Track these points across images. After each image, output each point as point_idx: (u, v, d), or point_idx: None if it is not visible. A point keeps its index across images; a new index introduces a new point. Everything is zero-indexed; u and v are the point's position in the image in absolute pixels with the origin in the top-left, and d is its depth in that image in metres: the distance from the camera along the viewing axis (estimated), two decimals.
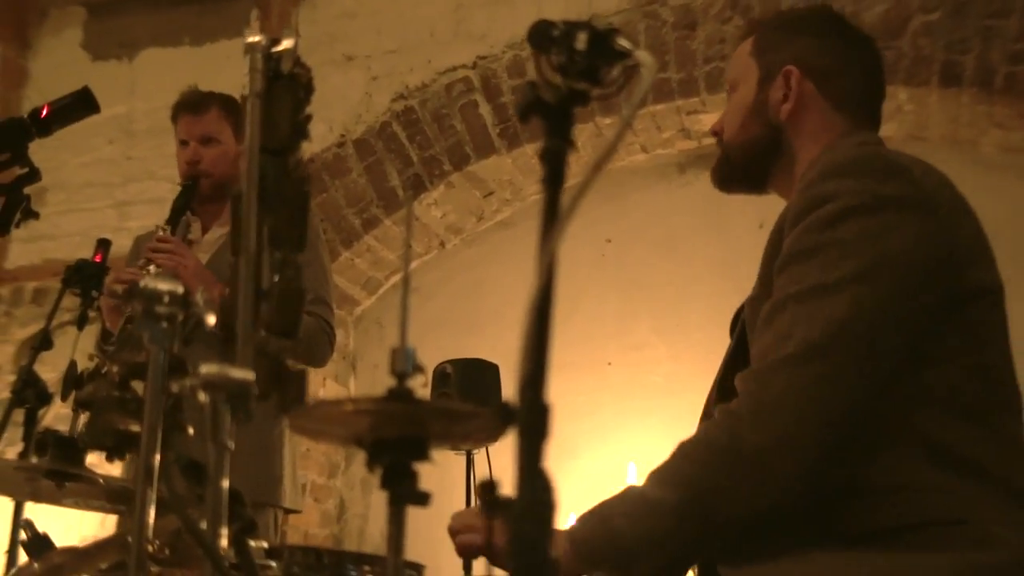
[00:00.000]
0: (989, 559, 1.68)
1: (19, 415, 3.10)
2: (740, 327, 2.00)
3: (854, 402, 1.74)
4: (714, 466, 1.73)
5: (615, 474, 4.84)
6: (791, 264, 1.82)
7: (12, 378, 5.59)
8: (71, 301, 3.30)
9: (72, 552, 1.60)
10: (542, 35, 1.42)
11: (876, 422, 1.77)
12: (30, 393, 3.04)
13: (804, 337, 1.74)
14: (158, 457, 1.42)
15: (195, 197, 3.53)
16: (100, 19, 6.14)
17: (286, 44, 1.55)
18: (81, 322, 3.19)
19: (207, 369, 1.30)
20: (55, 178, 5.90)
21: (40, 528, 1.70)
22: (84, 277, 3.18)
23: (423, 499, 1.36)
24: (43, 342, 3.16)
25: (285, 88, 1.57)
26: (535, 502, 1.15)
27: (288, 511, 3.67)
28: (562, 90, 1.34)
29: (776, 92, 2.07)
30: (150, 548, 1.59)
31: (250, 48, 1.53)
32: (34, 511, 3.37)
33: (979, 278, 1.86)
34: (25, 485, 2.09)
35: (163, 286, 1.43)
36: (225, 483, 1.31)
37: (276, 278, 1.47)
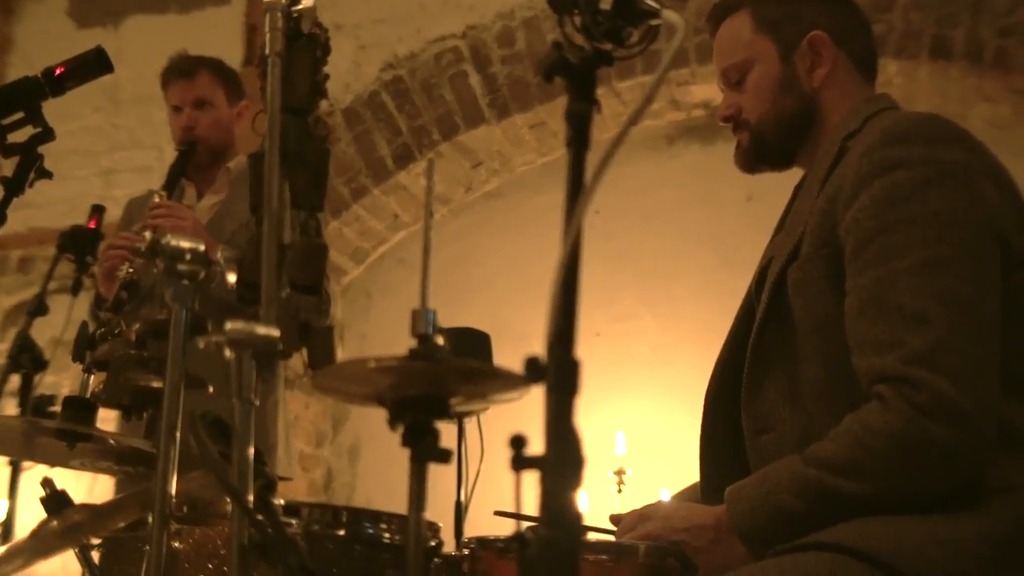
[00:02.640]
0: None
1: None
2: (773, 289, 1.96)
3: (996, 376, 1.73)
4: (904, 463, 1.71)
5: (604, 443, 4.86)
6: (882, 236, 1.80)
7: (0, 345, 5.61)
8: (61, 268, 3.29)
9: (91, 509, 1.60)
10: None
11: None
12: (26, 358, 3.03)
13: (947, 321, 1.73)
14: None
15: (191, 162, 3.50)
16: None
17: (306, 3, 1.54)
18: (76, 288, 3.18)
19: (233, 326, 1.30)
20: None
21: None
22: (78, 243, 3.16)
23: (444, 456, 1.37)
24: (38, 307, 3.14)
25: (303, 48, 1.57)
26: (565, 458, 1.17)
27: (280, 479, 3.67)
28: (586, 51, 1.34)
29: (803, 61, 2.06)
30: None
31: (270, 7, 1.52)
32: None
33: (1022, 245, 1.86)
34: (28, 446, 2.09)
35: (185, 244, 1.43)
36: (251, 441, 1.31)
37: (297, 236, 1.48)
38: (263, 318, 1.37)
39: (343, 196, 5.34)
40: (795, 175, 2.17)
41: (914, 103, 4.92)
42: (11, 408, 3.24)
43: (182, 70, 3.65)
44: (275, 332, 1.31)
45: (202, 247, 1.43)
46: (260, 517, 1.26)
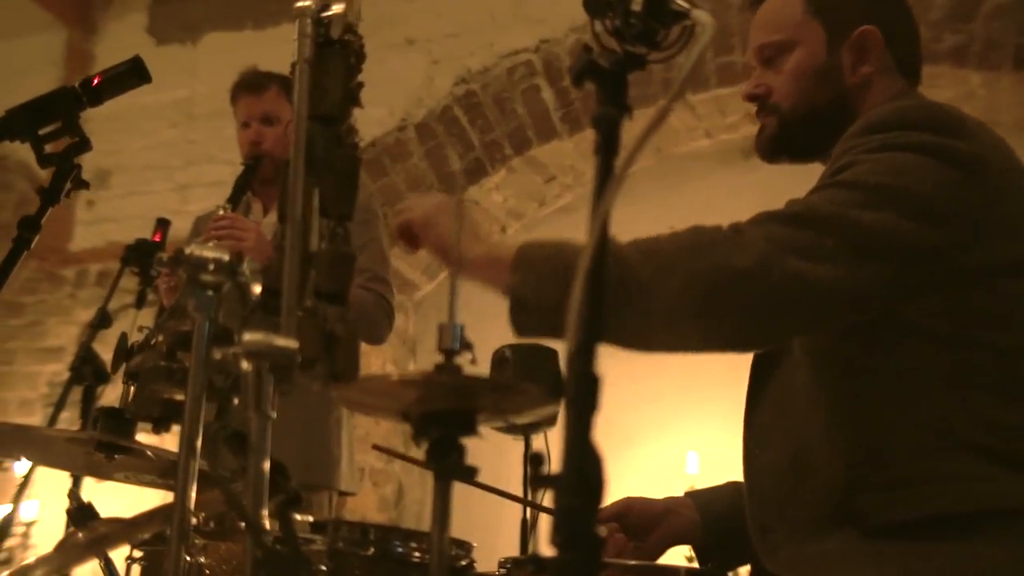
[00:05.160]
0: None
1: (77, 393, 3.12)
2: None
3: (823, 285, 1.62)
4: (692, 254, 1.64)
5: (674, 464, 4.78)
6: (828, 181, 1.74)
7: None
8: (135, 282, 3.30)
9: (117, 523, 1.58)
10: None
11: (910, 410, 1.70)
12: (88, 370, 3.04)
13: (815, 205, 1.67)
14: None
15: (257, 177, 3.51)
16: (164, 3, 6.19)
17: (336, 9, 1.52)
18: (140, 301, 3.20)
19: (250, 337, 1.26)
20: (117, 161, 5.96)
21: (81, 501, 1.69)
22: (143, 256, 3.17)
23: (469, 474, 1.32)
24: (102, 320, 3.16)
25: (336, 55, 1.54)
26: (583, 475, 1.11)
27: (343, 494, 3.65)
28: (618, 54, 1.30)
29: (848, 55, 1.94)
30: (195, 520, 1.57)
31: (299, 12, 1.50)
32: (102, 490, 3.38)
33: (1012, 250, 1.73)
34: (80, 458, 2.09)
35: (208, 254, 1.40)
36: (267, 455, 1.28)
37: (324, 245, 1.45)
38: (283, 329, 1.33)
39: None
40: None
41: (997, 114, 4.78)
42: (74, 420, 3.26)
43: (251, 85, 3.68)
44: (293, 344, 1.28)
45: (226, 257, 1.40)
46: (270, 533, 1.23)
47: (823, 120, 1.93)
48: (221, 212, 3.30)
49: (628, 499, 2.16)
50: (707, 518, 2.14)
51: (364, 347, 5.10)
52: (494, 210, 5.56)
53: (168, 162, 5.84)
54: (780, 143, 2.00)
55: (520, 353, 4.02)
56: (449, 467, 1.32)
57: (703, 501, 2.18)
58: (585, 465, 1.11)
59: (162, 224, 3.31)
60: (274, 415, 1.28)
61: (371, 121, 5.38)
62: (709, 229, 1.67)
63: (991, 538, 1.61)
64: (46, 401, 5.70)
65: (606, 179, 1.26)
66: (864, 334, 1.73)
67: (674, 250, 1.65)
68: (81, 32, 6.22)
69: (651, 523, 2.12)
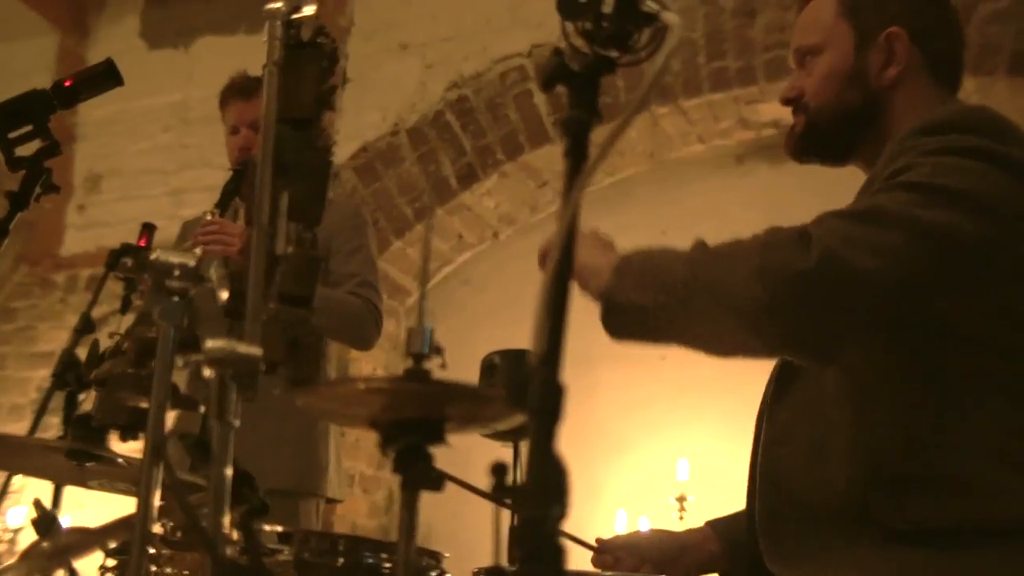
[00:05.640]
0: None
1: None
2: None
3: (884, 281, 1.62)
4: (764, 254, 1.64)
5: (665, 469, 4.76)
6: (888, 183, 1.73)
7: None
8: (122, 287, 3.27)
9: (81, 532, 1.56)
10: (571, 1, 1.36)
11: (935, 414, 1.68)
12: (71, 376, 3.01)
13: (878, 203, 1.67)
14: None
15: (245, 182, 3.48)
16: (158, 7, 6.17)
17: (306, 11, 1.49)
18: (125, 307, 3.16)
19: (212, 344, 1.24)
20: (111, 165, 5.94)
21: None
22: None
23: (437, 483, 1.30)
24: (85, 325, 3.13)
25: (309, 57, 1.52)
26: (546, 485, 1.09)
27: (330, 500, 3.63)
28: (588, 57, 1.28)
29: (876, 56, 1.92)
30: (161, 529, 1.55)
31: (269, 15, 1.48)
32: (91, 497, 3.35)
33: None
34: (54, 466, 2.07)
35: (174, 259, 1.38)
36: (229, 463, 1.26)
37: (291, 249, 1.43)
38: (247, 334, 1.31)
39: (407, 216, 5.31)
40: None
41: None
42: (55, 426, 3.23)
43: (241, 90, 3.65)
44: (256, 351, 1.26)
45: (192, 263, 1.38)
46: (234, 543, 1.20)
47: (851, 121, 1.95)
48: (209, 217, 3.27)
49: (649, 531, 2.16)
50: (728, 547, 2.11)
51: (355, 352, 5.09)
52: (486, 215, 5.54)
53: (162, 166, 5.82)
54: (807, 142, 2.00)
55: (509, 359, 4.00)
56: (416, 477, 1.30)
57: (723, 529, 2.15)
58: (547, 475, 1.09)
59: (147, 228, 3.28)
60: (237, 423, 1.26)
61: (364, 126, 5.37)
62: (784, 230, 1.68)
63: (1004, 553, 1.60)
64: (36, 407, 5.67)
65: (575, 183, 1.24)
66: (896, 335, 1.72)
67: (744, 250, 1.68)
68: (74, 37, 6.20)
69: (672, 556, 2.11)
